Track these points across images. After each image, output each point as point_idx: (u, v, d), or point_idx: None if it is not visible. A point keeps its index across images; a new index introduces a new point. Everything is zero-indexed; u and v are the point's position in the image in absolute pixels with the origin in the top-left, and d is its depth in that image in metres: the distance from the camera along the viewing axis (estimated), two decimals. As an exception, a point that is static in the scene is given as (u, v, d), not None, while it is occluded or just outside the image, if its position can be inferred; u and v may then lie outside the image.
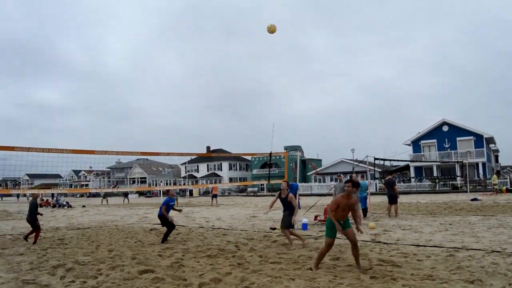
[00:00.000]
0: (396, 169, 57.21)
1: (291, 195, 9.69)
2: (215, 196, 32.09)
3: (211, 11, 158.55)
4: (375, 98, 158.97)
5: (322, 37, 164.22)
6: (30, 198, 12.46)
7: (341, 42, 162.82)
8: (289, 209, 9.59)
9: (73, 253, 9.27)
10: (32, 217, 11.42)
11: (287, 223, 9.48)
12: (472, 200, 25.39)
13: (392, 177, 16.54)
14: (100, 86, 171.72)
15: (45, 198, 43.74)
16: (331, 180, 58.13)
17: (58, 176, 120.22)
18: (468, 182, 34.35)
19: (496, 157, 66.24)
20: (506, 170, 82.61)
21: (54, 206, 33.95)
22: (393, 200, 15.67)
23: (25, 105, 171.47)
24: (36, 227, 11.41)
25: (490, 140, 52.05)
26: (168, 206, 11.15)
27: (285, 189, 9.72)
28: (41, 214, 12.23)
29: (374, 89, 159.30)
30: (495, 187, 33.37)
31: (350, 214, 6.88)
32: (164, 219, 11.06)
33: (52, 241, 11.65)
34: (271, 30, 11.63)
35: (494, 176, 35.61)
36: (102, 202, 39.88)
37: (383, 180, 49.27)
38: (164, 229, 11.41)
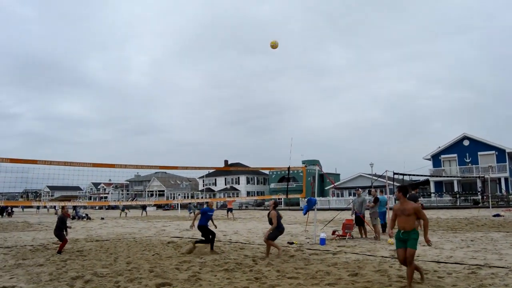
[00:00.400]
0: (415, 184, 56.47)
1: (273, 212, 10.29)
2: (230, 210, 32.52)
3: (230, 28, 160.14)
4: (395, 113, 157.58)
5: (341, 52, 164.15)
6: (58, 211, 13.05)
7: (360, 56, 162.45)
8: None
9: (92, 265, 9.35)
10: (58, 231, 11.98)
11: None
12: (494, 216, 24.83)
13: (415, 192, 16.24)
14: (121, 101, 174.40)
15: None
16: (350, 194, 57.59)
17: (78, 188, 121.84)
18: (490, 198, 33.64)
19: (519, 172, 64.78)
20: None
21: (73, 218, 34.32)
22: None
23: (48, 119, 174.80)
24: (62, 239, 11.96)
25: (513, 155, 51.07)
26: (205, 214, 11.42)
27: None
28: (70, 227, 12.78)
29: (393, 104, 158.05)
30: None
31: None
32: (205, 229, 11.14)
33: (71, 252, 11.77)
34: (274, 45, 12.27)
35: None
36: (120, 214, 40.15)
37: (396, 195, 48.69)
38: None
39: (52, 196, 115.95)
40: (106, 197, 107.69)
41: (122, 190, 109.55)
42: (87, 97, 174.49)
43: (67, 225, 12.56)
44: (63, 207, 13.33)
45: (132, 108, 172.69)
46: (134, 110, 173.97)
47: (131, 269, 8.62)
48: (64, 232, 12.20)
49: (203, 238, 11.22)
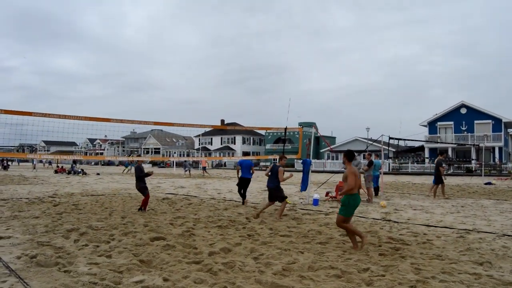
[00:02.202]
0: (409, 149, 56.79)
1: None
2: (204, 168, 35.88)
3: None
4: (394, 77, 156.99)
5: (343, 14, 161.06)
6: (135, 164, 11.80)
7: (362, 19, 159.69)
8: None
9: (87, 218, 9.46)
10: (141, 183, 10.83)
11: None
12: (486, 184, 25.14)
13: (441, 158, 16.12)
14: (117, 57, 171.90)
15: (60, 165, 44.50)
16: (344, 158, 57.90)
17: (73, 143, 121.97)
18: (483, 166, 33.95)
19: (514, 142, 65.23)
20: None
21: (69, 173, 34.54)
22: (436, 180, 15.52)
23: (44, 73, 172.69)
24: (144, 193, 10.82)
25: (509, 125, 51.14)
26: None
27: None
28: (151, 173, 11.51)
29: (393, 68, 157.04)
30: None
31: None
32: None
33: (66, 206, 11.88)
34: None
35: None
36: (124, 171, 39.87)
37: (396, 159, 48.99)
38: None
39: (48, 151, 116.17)
40: (102, 153, 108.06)
41: (118, 147, 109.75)
42: (83, 52, 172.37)
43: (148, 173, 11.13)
44: (138, 161, 12.04)
45: (129, 64, 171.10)
46: (130, 66, 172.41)
47: (126, 223, 8.73)
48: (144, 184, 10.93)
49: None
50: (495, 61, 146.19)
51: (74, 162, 39.28)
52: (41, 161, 67.25)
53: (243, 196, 12.67)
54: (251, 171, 12.80)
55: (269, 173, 10.16)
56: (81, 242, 6.76)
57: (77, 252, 6.10)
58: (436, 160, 16.18)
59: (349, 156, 6.70)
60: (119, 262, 5.53)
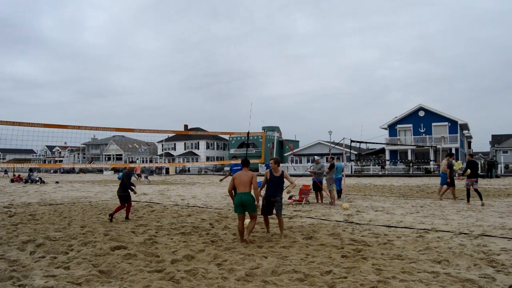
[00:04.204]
0: (371, 152, 58.02)
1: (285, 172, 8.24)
2: (139, 175, 34.52)
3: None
4: (356, 82, 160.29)
5: (305, 20, 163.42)
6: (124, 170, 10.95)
7: (324, 25, 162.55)
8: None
9: (44, 228, 9.13)
10: (123, 191, 10.56)
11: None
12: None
13: (450, 159, 15.87)
14: (77, 62, 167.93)
15: (16, 174, 42.89)
16: (308, 161, 58.66)
17: (31, 151, 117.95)
18: (441, 167, 35.02)
19: (469, 143, 67.78)
20: (478, 156, 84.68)
21: (26, 182, 33.33)
22: (445, 181, 15.39)
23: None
24: (126, 201, 10.58)
25: (464, 127, 53.09)
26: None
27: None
28: (134, 186, 11.07)
29: (354, 73, 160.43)
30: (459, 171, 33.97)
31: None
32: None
33: (23, 216, 11.43)
34: None
35: (459, 161, 36.29)
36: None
37: (358, 162, 49.89)
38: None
39: (3, 159, 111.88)
40: (61, 161, 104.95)
41: (78, 154, 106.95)
42: (40, 57, 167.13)
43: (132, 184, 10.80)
44: (131, 162, 11.51)
45: (90, 69, 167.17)
46: (92, 71, 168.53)
47: (85, 232, 8.48)
48: (130, 192, 10.70)
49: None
50: (450, 66, 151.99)
51: (31, 170, 37.84)
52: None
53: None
54: None
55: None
56: (37, 254, 6.51)
57: (33, 264, 5.87)
58: (446, 162, 15.66)
59: (244, 163, 7.76)
60: (78, 273, 5.35)
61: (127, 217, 10.64)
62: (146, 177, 33.73)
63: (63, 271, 5.50)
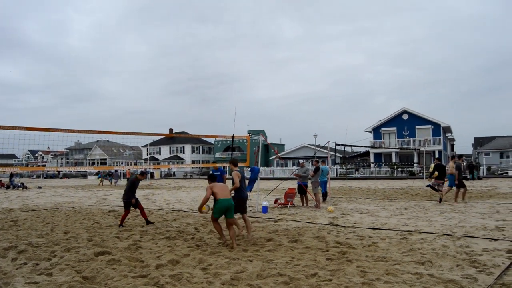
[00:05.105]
0: (356, 155, 58.43)
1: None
2: (111, 178, 38.74)
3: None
4: (341, 86, 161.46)
5: (291, 25, 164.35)
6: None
7: (309, 30, 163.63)
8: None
9: (27, 235, 8.99)
10: (128, 196, 10.36)
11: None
12: (427, 186, 26.13)
13: (459, 161, 15.80)
14: (61, 66, 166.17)
15: (-1, 179, 42.15)
16: (293, 164, 58.79)
17: (13, 156, 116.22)
18: (424, 169, 35.42)
19: (452, 146, 68.75)
20: (465, 158, 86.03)
21: (8, 187, 32.78)
22: (454, 183, 15.15)
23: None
24: (128, 207, 10.37)
25: (447, 129, 53.83)
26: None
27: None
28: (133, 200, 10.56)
29: (339, 77, 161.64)
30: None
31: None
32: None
33: (4, 222, 11.24)
34: None
35: (432, 164, 36.74)
36: (100, 183, 38.38)
37: (343, 164, 50.19)
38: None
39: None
40: (44, 166, 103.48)
41: (62, 158, 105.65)
42: (23, 61, 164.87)
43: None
44: (142, 173, 10.99)
45: (74, 73, 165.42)
46: (76, 76, 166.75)
47: (69, 238, 8.38)
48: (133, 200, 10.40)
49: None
50: (433, 70, 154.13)
51: (12, 175, 37.21)
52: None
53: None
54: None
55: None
56: (19, 261, 6.40)
57: (14, 271, 5.77)
58: (453, 164, 15.43)
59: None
60: (61, 280, 5.27)
61: (147, 222, 10.41)
62: (116, 182, 37.68)
63: (45, 277, 5.41)
